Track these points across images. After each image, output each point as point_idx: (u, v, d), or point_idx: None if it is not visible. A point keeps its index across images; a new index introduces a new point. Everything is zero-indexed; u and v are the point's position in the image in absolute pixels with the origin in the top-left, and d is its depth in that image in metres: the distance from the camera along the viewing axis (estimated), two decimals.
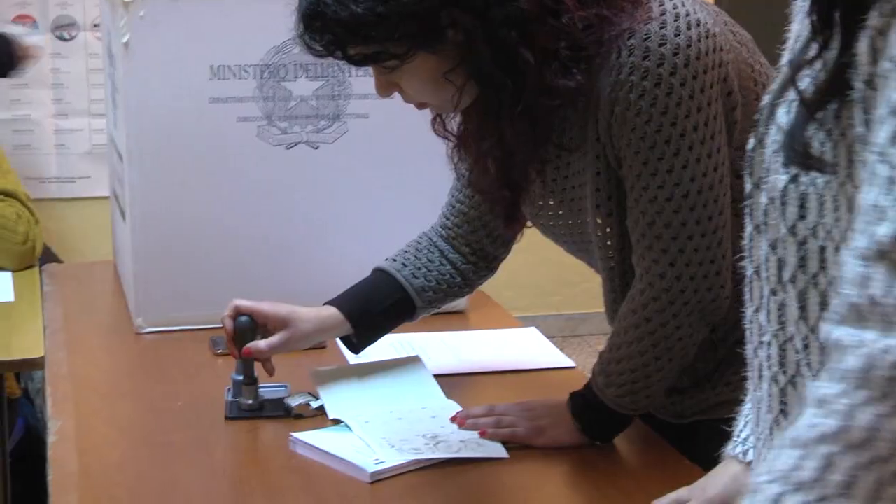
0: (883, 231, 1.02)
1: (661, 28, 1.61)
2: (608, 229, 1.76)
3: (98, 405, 2.09)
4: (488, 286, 2.20)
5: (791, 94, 1.23)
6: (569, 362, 2.23)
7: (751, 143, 1.31)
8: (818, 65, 1.17)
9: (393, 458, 1.79)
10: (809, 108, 1.17)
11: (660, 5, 1.64)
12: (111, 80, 2.56)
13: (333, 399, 1.99)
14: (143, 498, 1.75)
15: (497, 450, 1.83)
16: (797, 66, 1.22)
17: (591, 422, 1.84)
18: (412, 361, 2.11)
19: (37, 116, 4.14)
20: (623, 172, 1.69)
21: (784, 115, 1.24)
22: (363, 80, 2.35)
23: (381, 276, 2.04)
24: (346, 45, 1.66)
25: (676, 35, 1.61)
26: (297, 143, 2.40)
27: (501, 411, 1.89)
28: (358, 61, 1.69)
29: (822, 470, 1.04)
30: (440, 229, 2.08)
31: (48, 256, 3.26)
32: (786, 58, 1.30)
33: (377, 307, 2.00)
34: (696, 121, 1.64)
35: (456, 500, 1.75)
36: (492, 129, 1.71)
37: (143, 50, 2.30)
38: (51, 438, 1.94)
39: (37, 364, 2.58)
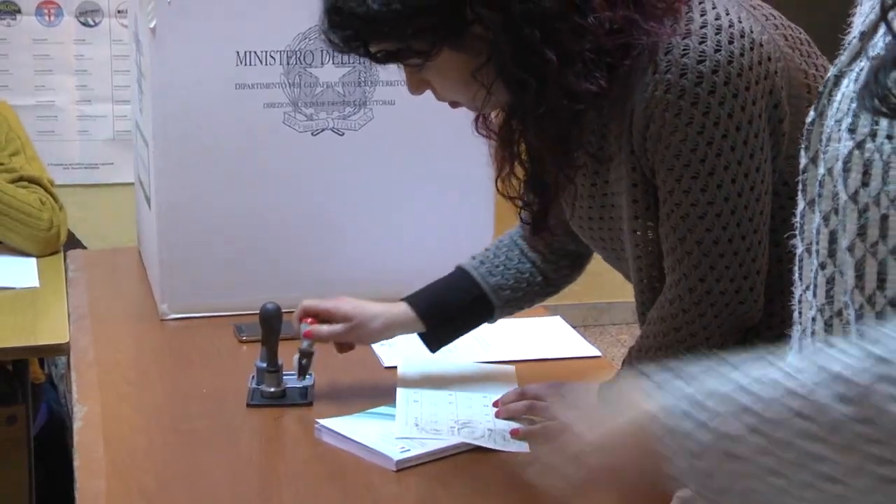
0: None
1: (701, 43, 1.55)
2: (644, 239, 1.73)
3: (123, 391, 2.10)
4: None
5: (858, 65, 1.22)
6: (594, 351, 2.25)
7: (810, 116, 1.30)
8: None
9: (416, 446, 1.79)
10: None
11: (701, 15, 1.58)
12: (137, 66, 2.57)
13: (408, 365, 2.05)
14: (169, 484, 1.75)
15: (519, 444, 1.83)
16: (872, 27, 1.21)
17: None
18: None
19: (60, 102, 4.15)
20: (657, 184, 1.65)
21: (851, 84, 1.22)
22: (389, 67, 2.34)
23: (458, 274, 2.03)
24: (367, 41, 1.63)
25: (717, 51, 1.55)
26: (322, 130, 2.41)
27: (533, 395, 1.89)
28: (381, 59, 1.66)
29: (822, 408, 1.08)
30: (520, 227, 2.04)
31: (72, 242, 3.27)
32: (856, 31, 1.28)
33: (451, 305, 2.00)
34: (735, 140, 1.58)
35: (481, 489, 1.74)
36: (517, 130, 1.68)
37: (169, 36, 2.30)
38: (77, 424, 1.94)
39: (61, 350, 2.59)
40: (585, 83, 1.56)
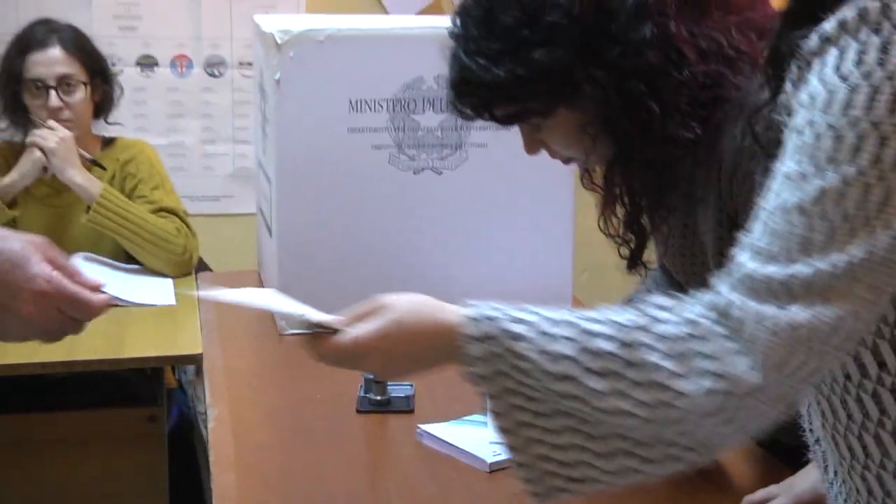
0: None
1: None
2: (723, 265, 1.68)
3: (249, 396, 2.11)
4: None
5: None
6: None
7: None
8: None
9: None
10: (765, 151, 1.20)
11: None
12: (262, 112, 2.58)
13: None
14: (290, 476, 1.76)
15: None
16: (752, 116, 1.27)
17: None
18: None
19: (189, 142, 4.17)
20: (740, 223, 1.62)
21: None
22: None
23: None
24: (492, 105, 1.58)
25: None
26: (423, 170, 2.41)
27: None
28: (505, 120, 1.61)
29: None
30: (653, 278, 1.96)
31: (201, 265, 3.29)
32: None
33: None
34: None
35: None
36: (620, 175, 1.65)
37: (291, 86, 2.31)
38: (210, 424, 1.95)
39: (195, 359, 2.62)
40: (683, 131, 1.54)
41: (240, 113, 4.17)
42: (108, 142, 3.32)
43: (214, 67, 4.15)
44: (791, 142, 1.09)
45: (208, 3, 4.09)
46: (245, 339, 2.43)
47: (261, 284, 2.71)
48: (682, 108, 1.54)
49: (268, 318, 2.48)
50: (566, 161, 1.70)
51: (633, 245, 1.76)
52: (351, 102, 2.35)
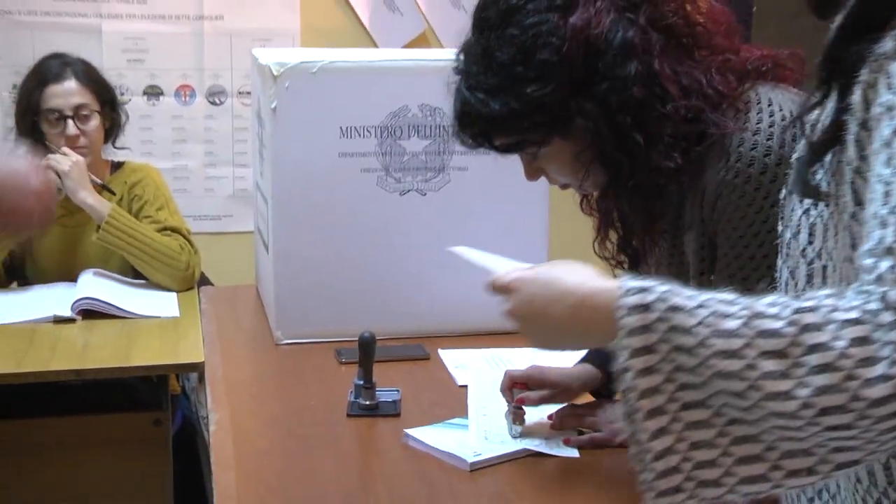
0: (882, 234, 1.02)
1: (767, 140, 1.52)
2: (706, 286, 1.65)
3: (247, 402, 2.10)
4: None
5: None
6: None
7: (783, 193, 1.31)
8: (821, 116, 1.17)
9: (487, 451, 1.78)
10: (815, 149, 1.16)
11: (758, 113, 1.56)
12: (259, 138, 2.58)
13: (477, 384, 2.01)
14: (286, 476, 1.75)
15: (570, 451, 1.82)
16: (803, 117, 1.23)
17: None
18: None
19: (192, 166, 4.18)
20: (717, 245, 1.63)
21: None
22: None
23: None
24: (491, 136, 1.61)
25: (780, 147, 1.52)
26: (408, 191, 2.40)
27: (583, 410, 1.89)
28: (504, 150, 1.64)
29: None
30: None
31: (203, 280, 3.29)
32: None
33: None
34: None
35: (543, 486, 1.74)
36: (613, 201, 1.66)
37: (286, 114, 2.31)
38: (212, 427, 1.95)
39: (197, 367, 2.63)
40: (665, 161, 1.55)
41: (239, 139, 4.18)
42: (116, 165, 3.34)
43: (215, 96, 4.17)
44: (884, 149, 1.07)
45: (210, 37, 4.11)
46: (244, 349, 2.43)
47: (258, 299, 2.71)
48: (666, 139, 1.55)
49: (265, 329, 2.48)
50: (563, 187, 1.71)
51: (625, 266, 1.76)
52: (342, 129, 2.34)
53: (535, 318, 1.23)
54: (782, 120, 1.56)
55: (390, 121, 2.36)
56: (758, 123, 1.56)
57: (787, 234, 1.28)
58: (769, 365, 1.02)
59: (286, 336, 2.40)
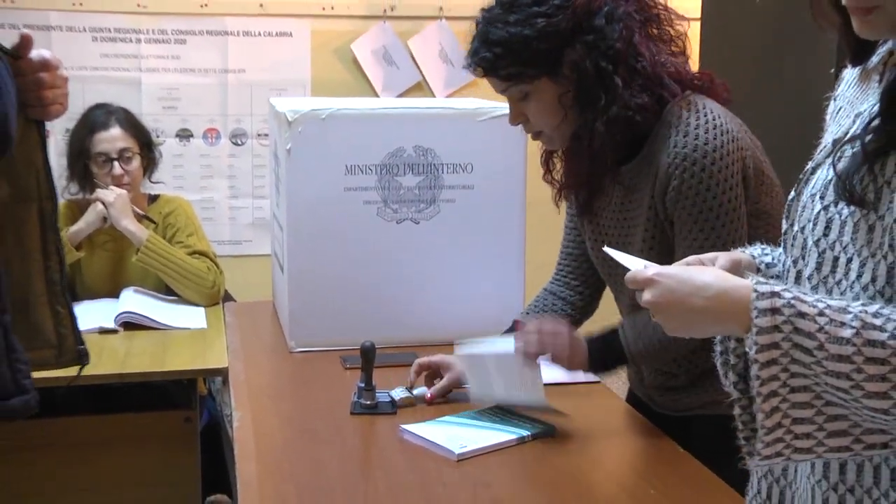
0: None
1: (705, 133, 1.68)
2: (650, 258, 1.69)
3: (265, 402, 2.10)
4: None
5: (828, 161, 1.23)
6: (595, 378, 2.08)
7: (791, 195, 1.30)
8: (870, 135, 1.16)
9: (472, 443, 1.77)
10: (869, 157, 1.15)
11: (703, 115, 1.71)
12: (276, 174, 2.58)
13: (475, 383, 1.96)
14: (300, 465, 1.75)
15: (541, 399, 1.87)
16: (847, 138, 1.22)
17: (597, 360, 1.84)
18: (531, 364, 1.86)
19: (217, 198, 4.19)
20: (675, 227, 1.73)
21: (825, 172, 1.23)
22: (452, 176, 2.36)
23: (514, 325, 2.02)
24: (499, 62, 1.73)
25: (714, 138, 1.68)
26: (404, 220, 2.40)
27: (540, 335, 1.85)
28: (506, 78, 1.75)
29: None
30: (553, 277, 2.08)
31: (227, 297, 3.29)
32: (829, 136, 1.29)
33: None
34: (730, 195, 1.70)
35: (524, 475, 1.74)
36: (586, 131, 1.74)
37: (299, 154, 2.32)
38: (235, 424, 1.94)
39: (222, 372, 2.62)
40: (635, 99, 1.70)
41: (258, 174, 4.19)
42: (153, 198, 3.34)
43: (238, 138, 4.18)
44: None
45: (233, 87, 4.12)
46: (262, 356, 2.43)
47: (275, 313, 2.71)
48: (635, 86, 1.71)
49: (280, 339, 2.48)
50: (536, 136, 1.84)
51: (583, 198, 1.89)
52: (346, 167, 2.35)
53: (674, 306, 1.19)
54: (714, 119, 1.70)
55: (388, 160, 2.37)
56: (696, 121, 1.70)
57: (795, 228, 1.27)
58: (872, 370, 1.06)
59: (298, 345, 2.40)
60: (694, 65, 1.88)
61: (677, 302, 1.18)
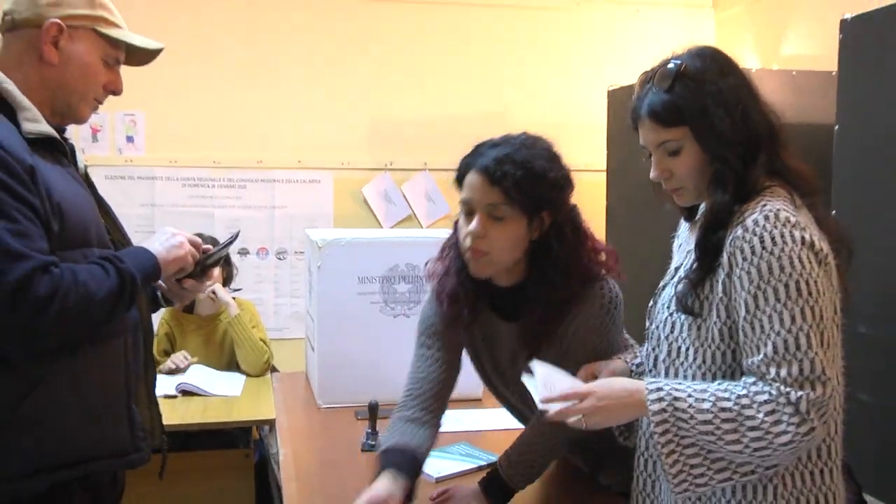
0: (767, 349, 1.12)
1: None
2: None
3: (303, 443, 2.08)
4: None
5: (672, 282, 1.28)
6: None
7: (651, 303, 1.33)
8: (695, 272, 1.23)
9: (447, 470, 1.75)
10: (693, 283, 1.22)
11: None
12: (309, 282, 2.53)
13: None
14: (327, 485, 1.74)
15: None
16: (681, 268, 1.28)
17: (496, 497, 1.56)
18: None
19: (264, 298, 4.16)
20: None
21: (670, 290, 1.28)
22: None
23: (402, 459, 1.53)
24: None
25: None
26: (399, 315, 2.39)
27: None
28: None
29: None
30: (403, 412, 1.61)
31: (273, 368, 3.27)
32: (673, 264, 1.34)
33: (418, 465, 1.55)
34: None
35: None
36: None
37: (326, 269, 2.33)
38: (280, 459, 1.93)
39: (270, 421, 2.59)
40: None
41: (294, 280, 4.12)
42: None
43: (281, 255, 4.14)
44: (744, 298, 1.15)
45: (278, 218, 4.11)
46: (299, 410, 2.37)
47: (307, 380, 2.64)
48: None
49: (311, 398, 2.43)
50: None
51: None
52: (358, 278, 2.34)
53: (605, 409, 1.21)
54: (616, 296, 1.51)
55: (388, 273, 2.37)
56: (609, 292, 1.51)
57: (652, 327, 1.31)
58: (726, 426, 1.13)
59: (325, 403, 2.37)
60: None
61: (609, 406, 1.22)
